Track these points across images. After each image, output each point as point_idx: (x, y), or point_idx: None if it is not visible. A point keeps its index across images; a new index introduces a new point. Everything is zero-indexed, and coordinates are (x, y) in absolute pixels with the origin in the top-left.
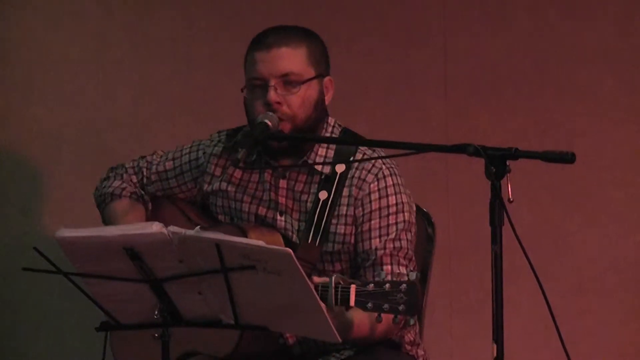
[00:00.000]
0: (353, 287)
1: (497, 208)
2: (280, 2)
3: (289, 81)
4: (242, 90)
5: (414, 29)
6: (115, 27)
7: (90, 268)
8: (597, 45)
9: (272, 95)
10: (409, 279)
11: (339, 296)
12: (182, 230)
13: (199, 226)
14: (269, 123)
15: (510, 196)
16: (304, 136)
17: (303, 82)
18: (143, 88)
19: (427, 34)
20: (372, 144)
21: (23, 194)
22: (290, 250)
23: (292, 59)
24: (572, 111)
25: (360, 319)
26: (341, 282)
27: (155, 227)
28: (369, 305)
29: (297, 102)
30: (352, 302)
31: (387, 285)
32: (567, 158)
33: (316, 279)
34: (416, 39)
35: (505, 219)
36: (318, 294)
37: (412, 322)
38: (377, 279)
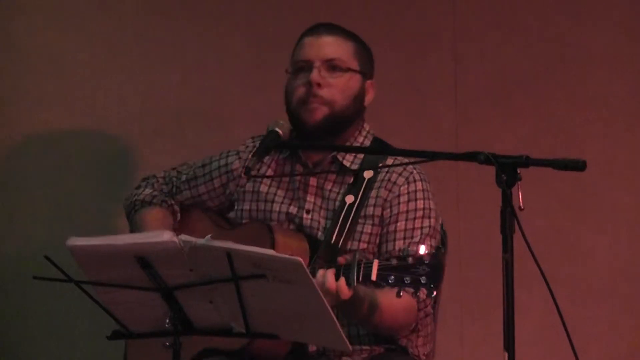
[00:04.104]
0: (376, 262)
1: (508, 216)
2: (290, 9)
3: (333, 66)
4: (286, 72)
5: (424, 35)
6: (125, 33)
7: (101, 276)
8: (607, 50)
9: (315, 75)
10: (432, 251)
11: (361, 272)
12: (193, 239)
13: (209, 235)
14: (280, 132)
15: (521, 204)
16: (315, 144)
17: (347, 70)
18: (153, 94)
19: (437, 40)
20: (383, 151)
21: (34, 201)
22: (301, 260)
23: (339, 46)
24: (583, 117)
25: (379, 299)
26: (364, 259)
27: (166, 235)
28: (391, 278)
29: (338, 87)
30: (374, 277)
31: (410, 259)
32: (578, 166)
33: (340, 259)
34: (426, 46)
35: (516, 227)
36: (340, 274)
37: (433, 294)
38: (399, 254)
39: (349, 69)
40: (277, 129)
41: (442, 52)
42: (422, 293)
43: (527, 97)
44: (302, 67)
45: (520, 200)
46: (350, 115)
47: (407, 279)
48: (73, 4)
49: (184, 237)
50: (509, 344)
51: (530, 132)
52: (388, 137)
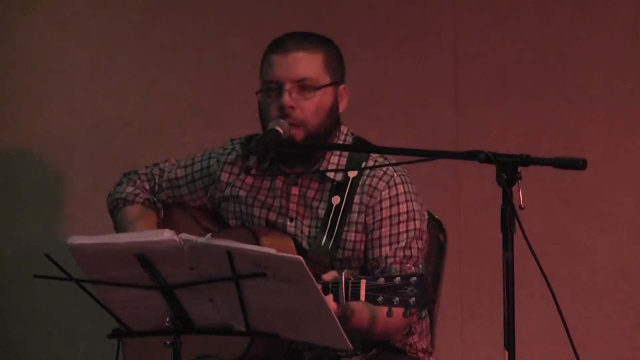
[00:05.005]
0: (363, 282)
1: (508, 215)
2: (291, 9)
3: (304, 86)
4: (257, 94)
5: (424, 35)
6: (125, 32)
7: (101, 275)
8: (607, 50)
9: (287, 99)
10: (419, 272)
11: (349, 291)
12: (194, 238)
13: (210, 234)
14: (280, 130)
15: (521, 203)
16: (315, 144)
17: (318, 88)
18: (153, 93)
19: (437, 40)
20: (383, 150)
21: (34, 200)
22: (302, 258)
23: (308, 64)
24: (583, 116)
25: (370, 314)
26: (351, 277)
27: (167, 234)
28: (380, 299)
29: (311, 108)
30: (362, 297)
31: (398, 278)
32: (578, 164)
33: (326, 277)
34: (426, 45)
35: (517, 226)
36: (329, 291)
37: (423, 314)
38: (386, 273)
39: (320, 87)
40: (277, 128)
41: (442, 51)
42: (413, 312)
43: (527, 97)
44: (272, 88)
45: (521, 199)
46: (326, 130)
47: (396, 300)
48: (73, 3)
49: (184, 235)
50: (510, 343)
51: (530, 132)
52: (388, 136)
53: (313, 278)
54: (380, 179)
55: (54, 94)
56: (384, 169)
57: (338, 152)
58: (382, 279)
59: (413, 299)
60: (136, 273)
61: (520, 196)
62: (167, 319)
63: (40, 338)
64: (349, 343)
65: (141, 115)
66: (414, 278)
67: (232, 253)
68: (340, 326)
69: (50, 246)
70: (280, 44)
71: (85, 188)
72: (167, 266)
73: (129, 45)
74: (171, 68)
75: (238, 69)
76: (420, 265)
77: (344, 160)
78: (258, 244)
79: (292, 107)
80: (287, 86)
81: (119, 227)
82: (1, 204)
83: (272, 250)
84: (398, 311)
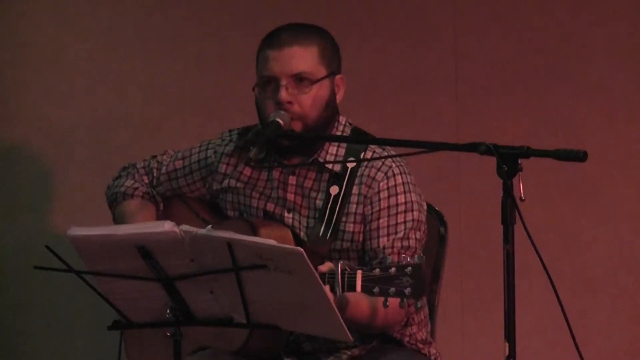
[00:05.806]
0: (359, 273)
1: (509, 207)
2: (291, 3)
3: (300, 80)
4: (253, 89)
5: (425, 28)
6: (125, 25)
7: (102, 266)
8: (608, 43)
9: (284, 94)
10: (414, 262)
11: (345, 282)
12: (194, 229)
13: (210, 225)
14: (281, 122)
15: (522, 195)
16: (316, 135)
17: (315, 82)
18: (153, 86)
19: (437, 33)
20: (384, 142)
21: (35, 193)
22: (302, 250)
23: (304, 58)
24: (584, 109)
25: (366, 305)
26: (347, 268)
27: (167, 225)
28: (375, 290)
29: (308, 102)
30: (358, 288)
31: (393, 269)
32: (579, 156)
33: (322, 267)
34: (427, 39)
35: (517, 218)
36: (325, 282)
37: (419, 305)
38: (382, 264)
39: (316, 80)
40: (277, 119)
41: (442, 44)
42: (409, 303)
43: (527, 89)
44: (268, 83)
45: (521, 191)
46: (325, 122)
47: (392, 290)
48: None
49: (184, 227)
50: (510, 335)
51: (531, 125)
52: (389, 129)
53: (314, 269)
54: (378, 169)
55: (54, 86)
56: (382, 159)
57: (336, 142)
58: (377, 270)
59: (409, 289)
60: (136, 264)
61: (520, 188)
62: (168, 311)
63: (40, 331)
64: (349, 334)
65: (141, 108)
66: (410, 268)
67: (232, 244)
68: (340, 317)
69: (50, 240)
70: (275, 39)
71: (85, 182)
72: (168, 258)
73: (129, 39)
74: (171, 62)
75: (238, 62)
76: (416, 256)
77: (342, 151)
78: (256, 235)
79: (289, 102)
80: (284, 81)
81: (118, 221)
82: (1, 198)
83: (273, 242)
84: (394, 302)
